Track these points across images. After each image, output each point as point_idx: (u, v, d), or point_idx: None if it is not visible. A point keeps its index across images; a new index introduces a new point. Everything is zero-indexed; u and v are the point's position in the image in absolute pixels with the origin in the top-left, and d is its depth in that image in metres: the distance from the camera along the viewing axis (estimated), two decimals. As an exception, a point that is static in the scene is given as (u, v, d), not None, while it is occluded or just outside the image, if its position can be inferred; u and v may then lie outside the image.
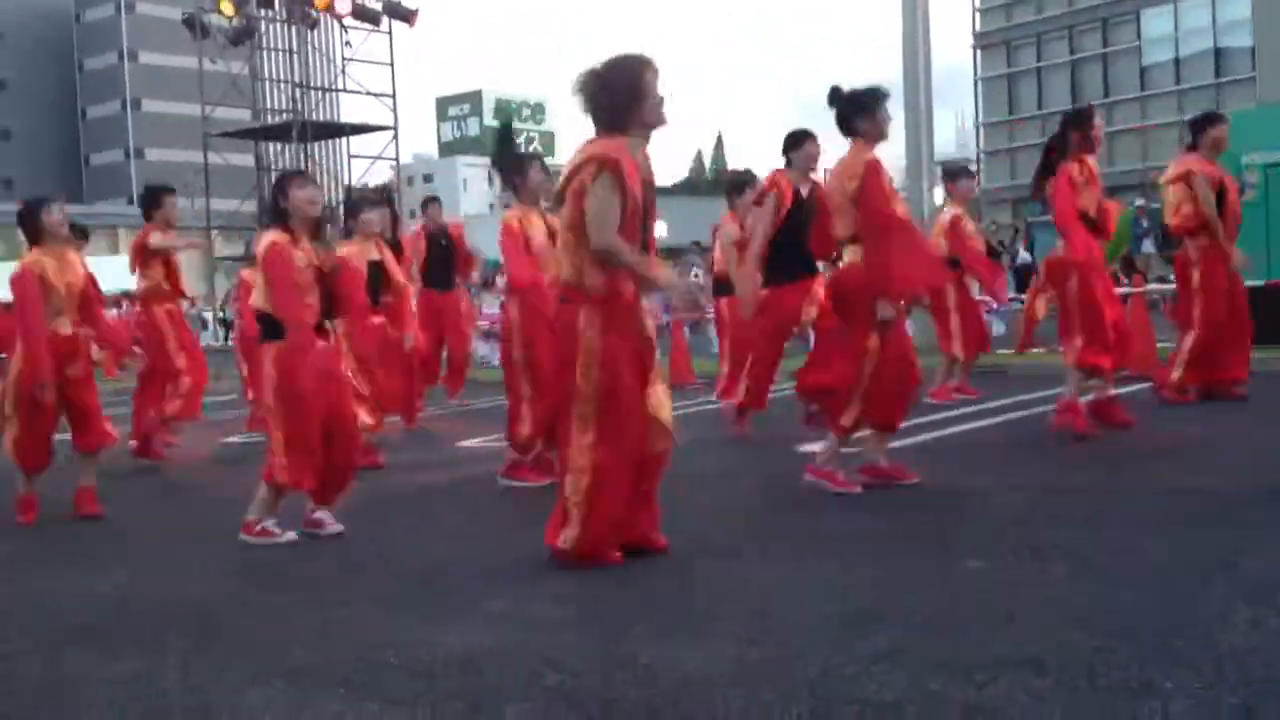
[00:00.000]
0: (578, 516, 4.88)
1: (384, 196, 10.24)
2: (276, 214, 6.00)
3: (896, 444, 7.34)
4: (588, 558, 4.88)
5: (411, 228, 12.95)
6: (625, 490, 4.92)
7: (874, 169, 6.03)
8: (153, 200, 9.34)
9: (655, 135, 4.99)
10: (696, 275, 18.64)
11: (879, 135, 6.17)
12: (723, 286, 10.45)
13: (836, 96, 6.18)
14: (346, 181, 37.29)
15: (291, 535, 5.92)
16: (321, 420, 5.90)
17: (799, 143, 8.06)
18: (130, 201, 76.45)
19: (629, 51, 4.92)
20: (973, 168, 48.37)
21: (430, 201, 12.06)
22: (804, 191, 7.89)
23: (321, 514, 6.06)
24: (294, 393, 5.80)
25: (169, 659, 4.10)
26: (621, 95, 4.84)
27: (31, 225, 6.95)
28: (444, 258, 11.38)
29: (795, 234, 7.35)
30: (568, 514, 4.91)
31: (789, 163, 8.04)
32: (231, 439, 10.78)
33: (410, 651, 3.94)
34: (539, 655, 3.79)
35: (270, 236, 5.94)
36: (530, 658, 3.77)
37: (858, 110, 6.13)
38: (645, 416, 4.94)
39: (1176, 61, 38.73)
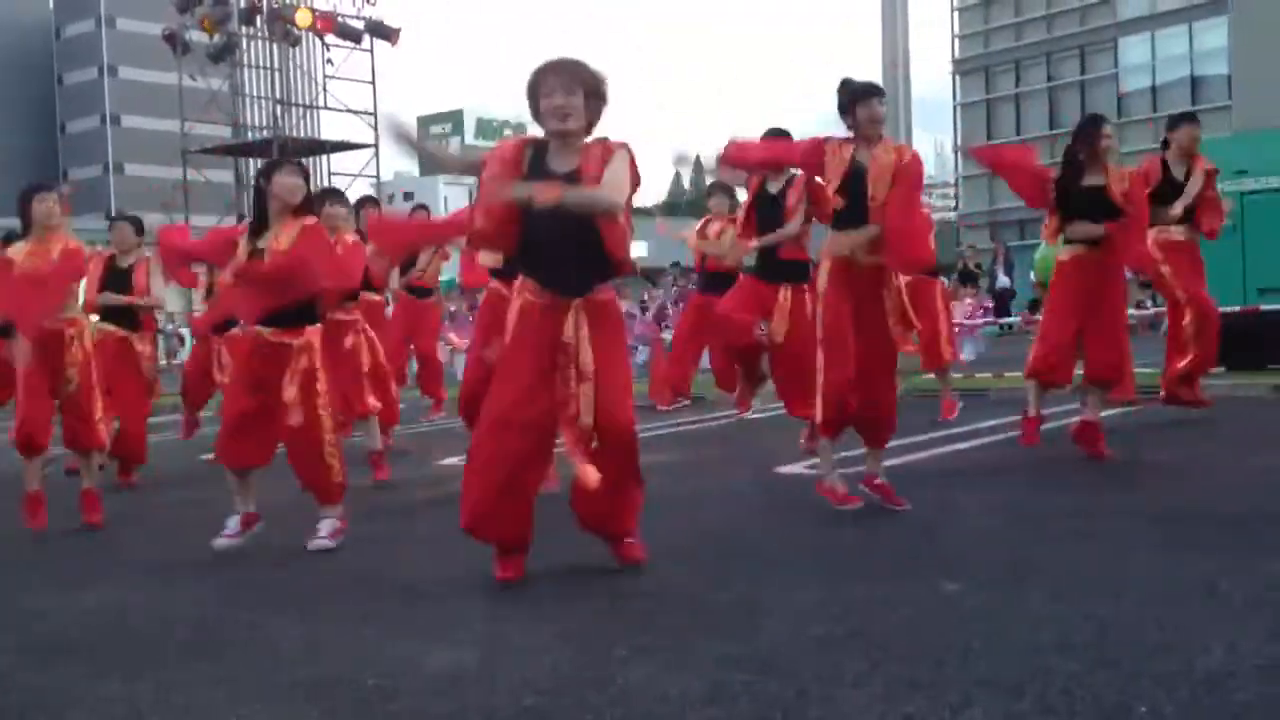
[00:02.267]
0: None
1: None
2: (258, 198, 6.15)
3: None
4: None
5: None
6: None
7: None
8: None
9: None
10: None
11: (862, 129, 6.12)
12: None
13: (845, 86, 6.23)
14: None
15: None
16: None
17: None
18: (108, 217, 76.22)
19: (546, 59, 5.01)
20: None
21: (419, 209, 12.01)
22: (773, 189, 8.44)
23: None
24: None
25: (154, 675, 4.08)
26: (529, 106, 5.10)
27: (23, 213, 7.06)
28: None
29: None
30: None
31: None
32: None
33: (392, 670, 3.93)
34: (518, 675, 3.79)
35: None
36: (510, 678, 3.77)
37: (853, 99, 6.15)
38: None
39: (1153, 89, 39.12)
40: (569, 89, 4.90)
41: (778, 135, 7.97)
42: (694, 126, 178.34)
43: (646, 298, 23.86)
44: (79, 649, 4.54)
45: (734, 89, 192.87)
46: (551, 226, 4.80)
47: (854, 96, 6.11)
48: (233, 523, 6.16)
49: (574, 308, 4.91)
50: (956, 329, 13.35)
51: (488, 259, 7.12)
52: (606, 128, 5.10)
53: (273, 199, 6.05)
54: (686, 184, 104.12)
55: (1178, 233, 8.77)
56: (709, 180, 8.51)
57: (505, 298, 7.17)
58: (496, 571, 5.04)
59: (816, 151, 6.19)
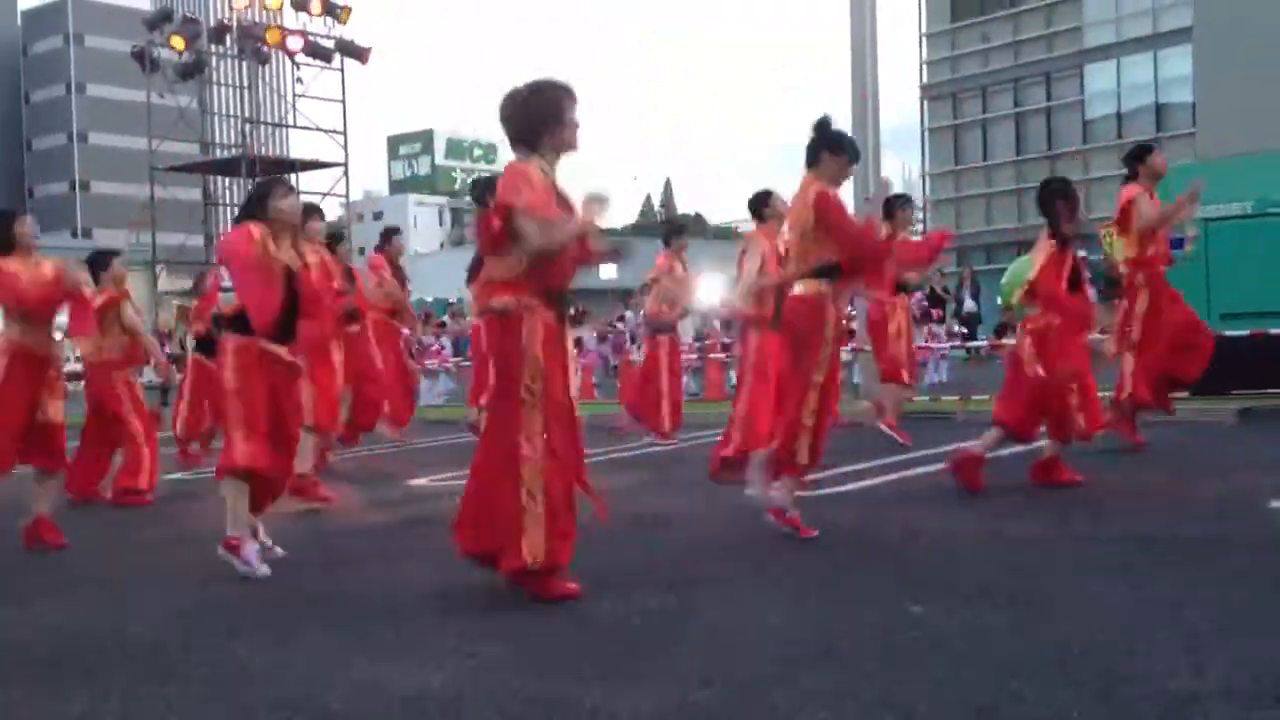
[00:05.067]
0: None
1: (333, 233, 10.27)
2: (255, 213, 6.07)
3: (843, 488, 7.40)
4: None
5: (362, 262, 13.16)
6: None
7: (823, 198, 6.14)
8: (101, 263, 9.23)
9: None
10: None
11: (833, 178, 6.24)
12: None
13: (820, 126, 6.27)
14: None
15: (265, 570, 5.89)
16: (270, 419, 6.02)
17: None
18: (75, 234, 75.71)
19: (550, 77, 5.06)
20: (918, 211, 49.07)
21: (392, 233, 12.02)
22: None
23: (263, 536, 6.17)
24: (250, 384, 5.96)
25: (114, 696, 4.03)
26: (538, 117, 5.01)
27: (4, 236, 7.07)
28: None
29: None
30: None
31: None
32: (176, 475, 10.66)
33: (357, 692, 3.90)
34: (485, 697, 3.77)
35: (247, 226, 6.01)
36: (476, 700, 3.75)
37: (826, 145, 6.23)
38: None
39: (1119, 116, 39.48)
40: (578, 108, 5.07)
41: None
42: (689, 126, 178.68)
43: (617, 319, 23.87)
44: (36, 668, 4.48)
45: (728, 91, 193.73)
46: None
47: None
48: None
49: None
50: (924, 352, 13.48)
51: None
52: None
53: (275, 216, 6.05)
54: (657, 204, 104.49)
55: None
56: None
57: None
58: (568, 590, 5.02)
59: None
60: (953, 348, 20.10)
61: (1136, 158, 9.19)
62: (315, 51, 33.30)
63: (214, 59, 34.44)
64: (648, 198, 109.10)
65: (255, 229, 5.95)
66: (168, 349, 21.41)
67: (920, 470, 8.68)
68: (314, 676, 4.14)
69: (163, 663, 4.46)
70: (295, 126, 36.19)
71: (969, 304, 26.44)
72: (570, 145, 5.06)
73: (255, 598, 5.57)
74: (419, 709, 3.72)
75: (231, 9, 32.69)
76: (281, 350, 6.03)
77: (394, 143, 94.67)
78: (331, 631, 4.82)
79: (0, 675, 4.41)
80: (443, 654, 4.34)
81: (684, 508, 7.79)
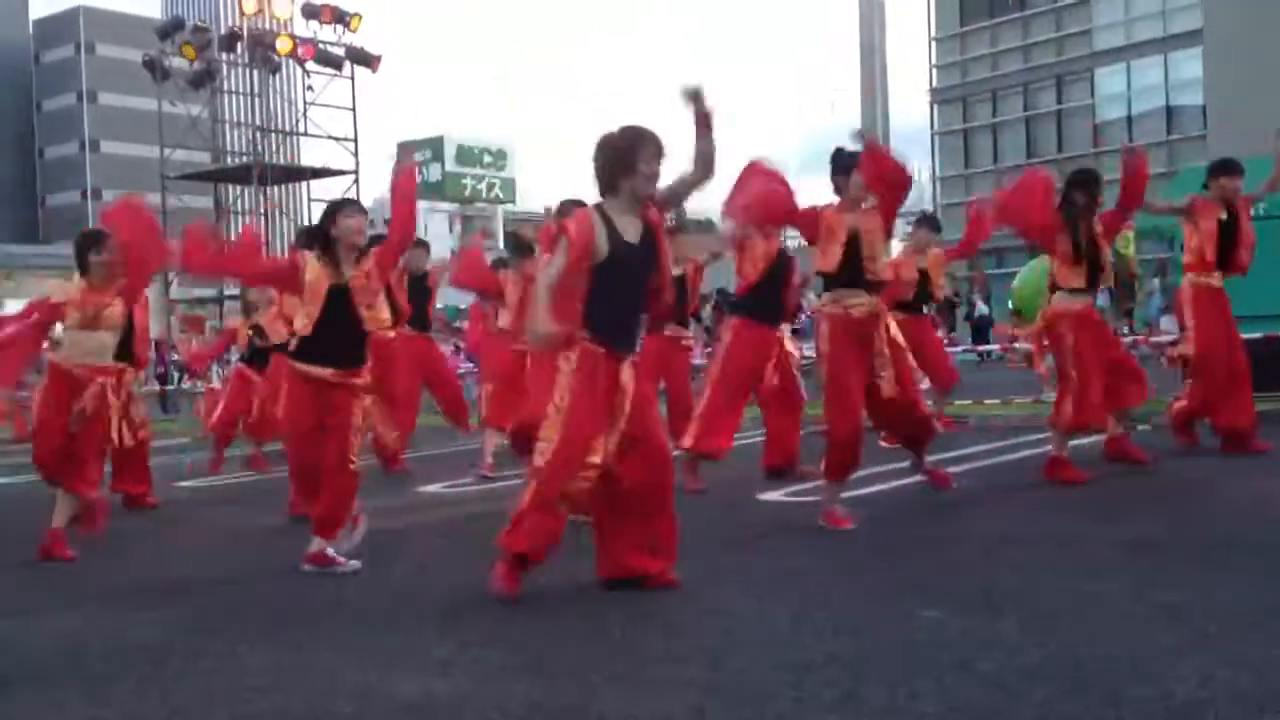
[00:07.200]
0: None
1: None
2: (320, 238, 6.16)
3: (852, 493, 7.37)
4: None
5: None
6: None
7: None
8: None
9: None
10: None
11: (845, 195, 6.67)
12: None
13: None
14: (306, 225, 37.09)
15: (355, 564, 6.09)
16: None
17: None
18: (86, 242, 75.91)
19: (633, 124, 5.21)
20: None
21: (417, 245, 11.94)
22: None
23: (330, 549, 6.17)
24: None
25: (118, 704, 4.03)
26: (613, 164, 5.15)
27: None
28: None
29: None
30: None
31: None
32: (185, 482, 10.68)
33: (363, 699, 3.90)
34: (492, 704, 3.76)
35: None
36: (483, 706, 3.74)
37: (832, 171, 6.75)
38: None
39: (1129, 119, 39.38)
40: (660, 158, 5.16)
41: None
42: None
43: None
44: (41, 676, 4.48)
45: (737, 89, 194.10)
46: (632, 293, 5.18)
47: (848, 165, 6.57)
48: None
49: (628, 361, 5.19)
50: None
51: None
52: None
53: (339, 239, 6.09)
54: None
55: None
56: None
57: None
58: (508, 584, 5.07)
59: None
60: (964, 350, 20.06)
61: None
62: (325, 59, 33.41)
63: (225, 67, 34.53)
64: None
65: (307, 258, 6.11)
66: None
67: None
68: (319, 683, 4.13)
69: (166, 670, 4.45)
70: (306, 134, 36.28)
71: (980, 307, 26.42)
72: (643, 193, 5.16)
73: (260, 605, 5.56)
74: (425, 715, 3.72)
75: (242, 17, 32.81)
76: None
77: (405, 148, 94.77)
78: (337, 638, 4.82)
79: (6, 681, 4.41)
80: (450, 661, 4.33)
81: (694, 511, 7.77)
